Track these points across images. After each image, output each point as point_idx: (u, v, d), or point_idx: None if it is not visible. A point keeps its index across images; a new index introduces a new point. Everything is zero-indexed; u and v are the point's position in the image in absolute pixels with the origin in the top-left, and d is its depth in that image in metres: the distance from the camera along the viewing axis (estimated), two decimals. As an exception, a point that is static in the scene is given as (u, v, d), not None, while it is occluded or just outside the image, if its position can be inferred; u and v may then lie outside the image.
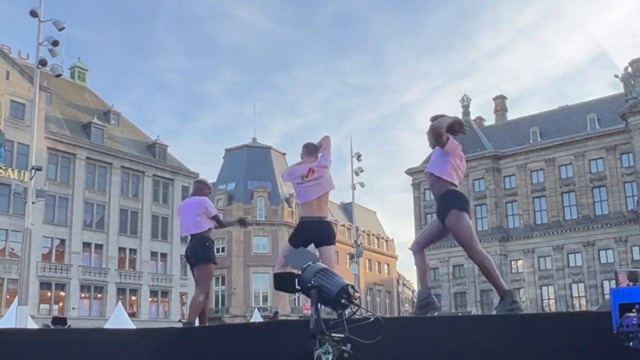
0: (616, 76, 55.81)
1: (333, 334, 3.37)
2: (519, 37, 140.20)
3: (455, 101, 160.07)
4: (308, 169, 6.16)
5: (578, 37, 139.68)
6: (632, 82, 53.34)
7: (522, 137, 60.10)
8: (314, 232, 6.12)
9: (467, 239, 5.28)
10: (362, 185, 36.04)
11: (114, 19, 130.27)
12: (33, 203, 19.46)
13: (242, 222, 7.17)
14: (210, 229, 6.82)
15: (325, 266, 3.53)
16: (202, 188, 7.06)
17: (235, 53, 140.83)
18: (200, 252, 6.67)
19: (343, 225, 69.70)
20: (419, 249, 5.78)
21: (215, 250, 6.96)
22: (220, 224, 6.99)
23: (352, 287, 3.41)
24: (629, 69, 54.53)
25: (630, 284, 4.33)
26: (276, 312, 6.37)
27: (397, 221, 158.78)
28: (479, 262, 5.27)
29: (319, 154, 6.34)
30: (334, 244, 6.24)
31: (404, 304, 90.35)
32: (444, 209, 5.48)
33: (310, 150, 6.35)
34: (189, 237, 6.81)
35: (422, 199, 63.54)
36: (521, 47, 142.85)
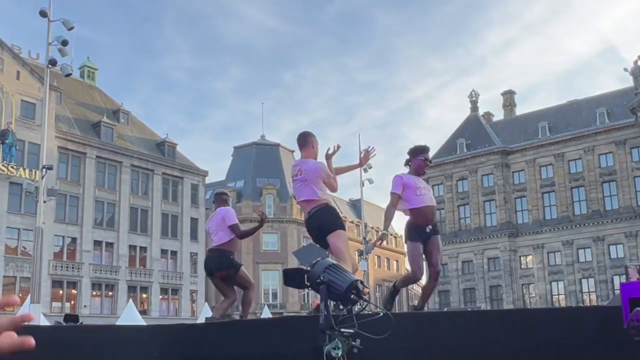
0: (626, 70, 55.29)
1: (342, 330, 3.40)
2: (527, 32, 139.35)
3: (462, 97, 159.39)
4: (298, 168, 5.84)
5: (586, 31, 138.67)
6: (642, 76, 52.85)
7: (531, 132, 59.78)
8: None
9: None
10: (370, 182, 36.00)
11: (121, 18, 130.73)
12: (44, 202, 19.59)
13: (261, 221, 7.14)
14: (232, 240, 6.97)
15: (335, 262, 3.55)
16: (226, 199, 7.27)
17: (242, 51, 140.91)
18: (227, 264, 6.90)
19: (352, 222, 69.66)
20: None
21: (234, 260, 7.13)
22: (238, 235, 6.97)
23: (362, 282, 3.43)
24: (639, 62, 54.02)
25: (640, 278, 4.34)
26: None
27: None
28: None
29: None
30: (340, 229, 5.77)
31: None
32: None
33: (299, 142, 6.01)
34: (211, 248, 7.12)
35: (431, 195, 63.26)
36: (529, 43, 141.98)
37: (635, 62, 54.14)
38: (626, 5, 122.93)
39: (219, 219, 6.95)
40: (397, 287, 6.46)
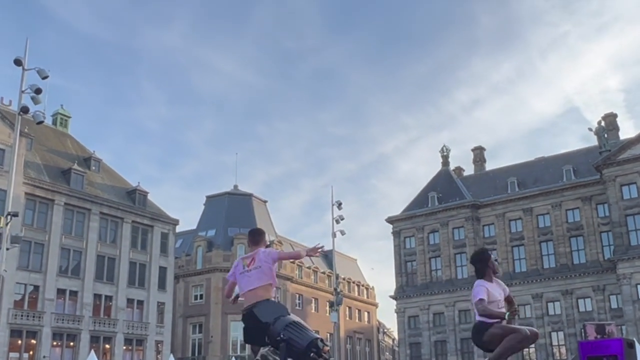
0: (590, 129, 57.29)
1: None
2: (494, 92, 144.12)
3: (433, 151, 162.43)
4: (251, 258, 5.40)
5: (550, 92, 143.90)
6: (606, 135, 54.68)
7: (501, 187, 60.87)
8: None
9: None
10: (342, 233, 36.01)
11: (96, 68, 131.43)
12: (7, 249, 19.14)
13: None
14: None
15: (296, 319, 3.58)
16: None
17: (217, 103, 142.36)
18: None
19: (323, 273, 69.18)
20: None
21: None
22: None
23: (322, 340, 3.46)
24: (602, 123, 55.97)
25: (598, 336, 4.45)
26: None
27: (378, 269, 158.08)
28: None
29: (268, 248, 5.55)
30: None
31: (384, 352, 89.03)
32: None
33: (255, 239, 5.63)
34: None
35: (403, 247, 63.52)
36: (496, 101, 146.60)
37: (599, 123, 56.16)
38: (587, 69, 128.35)
39: None
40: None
